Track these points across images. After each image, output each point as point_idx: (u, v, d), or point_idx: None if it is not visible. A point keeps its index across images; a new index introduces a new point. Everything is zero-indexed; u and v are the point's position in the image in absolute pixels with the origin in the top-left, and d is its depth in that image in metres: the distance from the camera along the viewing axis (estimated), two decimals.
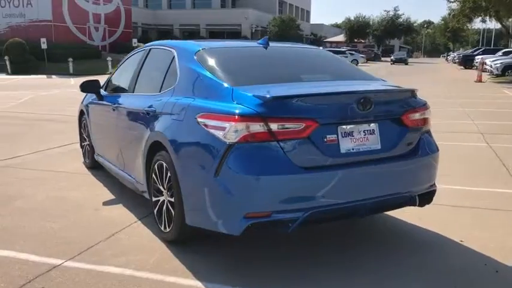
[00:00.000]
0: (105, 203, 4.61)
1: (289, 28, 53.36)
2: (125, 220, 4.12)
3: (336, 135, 3.04)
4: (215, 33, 53.53)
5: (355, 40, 70.50)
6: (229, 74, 3.37)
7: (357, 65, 45.43)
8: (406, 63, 50.56)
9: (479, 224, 4.11)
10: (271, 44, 4.07)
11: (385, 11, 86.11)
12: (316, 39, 72.87)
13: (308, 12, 78.54)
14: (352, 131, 3.11)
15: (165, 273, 3.12)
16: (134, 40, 34.77)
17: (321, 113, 3.00)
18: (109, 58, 32.36)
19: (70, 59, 31.08)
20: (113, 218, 4.17)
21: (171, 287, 2.96)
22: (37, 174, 5.69)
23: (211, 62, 3.54)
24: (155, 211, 3.70)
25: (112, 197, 4.83)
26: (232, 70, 3.47)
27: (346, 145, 3.07)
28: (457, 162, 6.25)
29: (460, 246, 3.62)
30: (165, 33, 53.30)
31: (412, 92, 3.48)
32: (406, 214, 4.11)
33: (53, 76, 28.88)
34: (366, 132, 3.17)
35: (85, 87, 5.16)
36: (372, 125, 3.19)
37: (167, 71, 3.86)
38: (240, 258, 3.40)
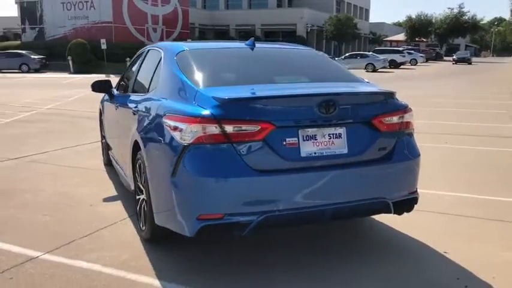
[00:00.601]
0: (105, 200, 4.76)
1: (346, 27, 52.47)
2: (116, 217, 4.24)
3: (296, 139, 2.97)
4: (270, 33, 53.70)
5: (417, 39, 68.13)
6: (200, 76, 3.39)
7: (415, 64, 44.12)
8: (470, 63, 48.18)
9: (471, 234, 3.88)
10: (258, 45, 4.05)
11: (448, 8, 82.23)
12: (375, 38, 71.18)
13: (367, 11, 76.87)
14: (315, 135, 3.02)
15: (129, 271, 3.18)
16: (189, 40, 35.51)
17: (279, 115, 2.94)
18: None
19: (127, 59, 32.38)
20: (105, 214, 4.30)
21: (129, 284, 3.02)
22: (55, 170, 5.97)
23: (188, 63, 3.57)
24: (137, 209, 3.79)
25: (115, 193, 4.99)
26: (205, 71, 3.49)
27: (307, 149, 2.99)
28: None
29: (442, 258, 3.43)
30: (222, 33, 54.15)
31: (388, 95, 3.33)
32: (398, 221, 3.94)
33: (111, 75, 30.13)
34: (332, 136, 3.07)
35: (95, 87, 5.35)
36: (339, 128, 3.09)
37: (154, 72, 3.93)
38: (208, 261, 3.40)
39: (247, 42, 4.06)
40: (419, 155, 3.42)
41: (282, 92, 3.14)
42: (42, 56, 34.10)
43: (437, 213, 4.35)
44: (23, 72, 32.62)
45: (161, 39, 42.64)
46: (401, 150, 3.30)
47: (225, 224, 2.87)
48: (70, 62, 32.60)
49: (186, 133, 2.87)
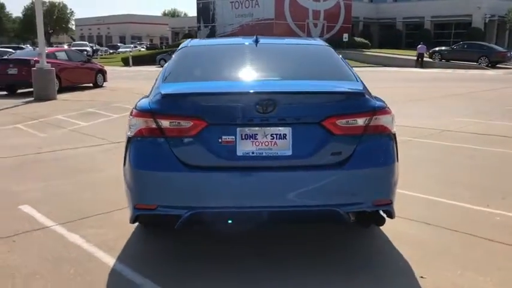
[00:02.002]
0: None
1: None
2: None
3: (233, 137, 2.91)
4: (441, 26, 49.78)
5: None
6: (173, 71, 3.50)
7: None
8: None
9: (457, 255, 3.34)
10: (264, 41, 4.01)
11: None
12: None
13: None
14: (256, 134, 2.92)
15: (102, 249, 3.50)
16: (345, 35, 35.18)
17: (214, 112, 2.92)
18: None
19: None
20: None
21: (89, 259, 3.34)
22: None
23: (178, 59, 3.71)
24: None
25: None
26: (182, 67, 3.59)
27: (244, 148, 2.91)
28: None
29: (412, 284, 3.01)
30: (388, 27, 52.04)
31: (350, 95, 3.02)
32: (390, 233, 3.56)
33: None
34: (275, 136, 2.92)
35: None
36: (284, 129, 2.93)
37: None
38: (178, 253, 3.55)
39: (252, 39, 4.04)
40: (392, 162, 3.04)
41: (222, 89, 3.10)
42: None
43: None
44: None
45: (321, 35, 42.98)
46: (365, 156, 2.97)
47: (158, 215, 2.98)
48: None
49: (131, 125, 3.04)
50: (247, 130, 2.91)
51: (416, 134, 7.93)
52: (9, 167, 5.88)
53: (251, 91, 2.96)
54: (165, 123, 2.92)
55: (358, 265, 3.27)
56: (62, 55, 16.76)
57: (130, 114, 3.08)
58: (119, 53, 50.37)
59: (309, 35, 41.71)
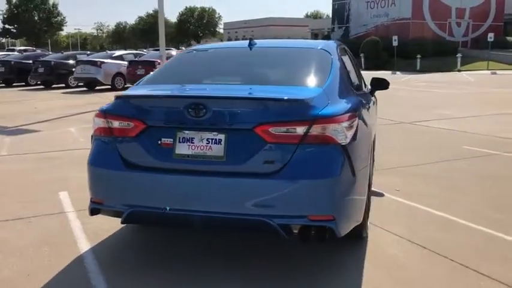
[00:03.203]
0: None
1: None
2: None
3: (172, 139, 2.96)
4: None
5: None
6: (154, 74, 3.69)
7: None
8: None
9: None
10: (259, 45, 3.98)
11: None
12: None
13: None
14: (193, 138, 2.94)
15: (89, 236, 3.82)
16: (490, 35, 31.86)
17: (153, 115, 3.02)
18: (459, 55, 31.09)
19: (418, 56, 31.67)
20: None
21: (71, 245, 3.67)
22: None
23: (168, 63, 3.89)
24: None
25: None
26: (162, 70, 3.75)
27: (181, 151, 2.95)
28: None
29: None
30: None
31: (287, 102, 2.85)
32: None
33: (397, 72, 30.20)
34: (210, 141, 2.91)
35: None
36: (219, 134, 2.90)
37: None
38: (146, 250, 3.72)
39: (248, 42, 4.02)
40: (334, 175, 2.82)
41: (161, 92, 3.15)
42: None
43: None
44: None
45: (465, 35, 39.62)
46: (300, 167, 2.80)
47: (105, 210, 3.18)
48: (362, 59, 34.16)
49: (93, 124, 3.28)
50: (185, 133, 2.95)
51: None
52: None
53: (184, 95, 2.99)
54: (115, 123, 3.10)
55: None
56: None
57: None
58: None
59: (451, 35, 38.77)
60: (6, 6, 59.03)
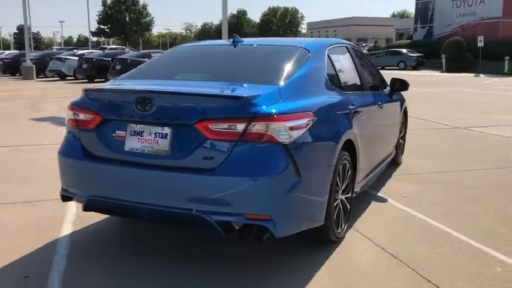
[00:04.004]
0: None
1: None
2: None
3: (124, 132, 3.07)
4: None
5: None
6: (135, 70, 3.84)
7: None
8: None
9: None
10: (245, 42, 4.03)
11: None
12: None
13: None
14: (143, 131, 3.02)
15: (75, 223, 4.05)
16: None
17: (108, 108, 3.14)
18: None
19: (506, 58, 29.46)
20: None
21: (58, 229, 3.91)
22: None
23: (152, 59, 4.03)
24: None
25: None
26: (144, 66, 3.89)
27: (131, 144, 3.04)
28: None
29: None
30: None
31: (229, 99, 2.84)
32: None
33: (481, 75, 28.39)
34: (157, 135, 2.98)
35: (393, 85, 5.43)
36: (166, 128, 2.95)
37: None
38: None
39: (234, 40, 4.04)
40: (272, 174, 2.77)
41: (115, 87, 3.26)
42: (419, 54, 35.30)
43: None
44: (399, 69, 34.83)
45: None
46: (238, 164, 2.78)
47: (70, 197, 3.35)
48: (443, 60, 32.47)
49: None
50: (135, 127, 3.05)
51: None
52: None
53: (132, 89, 3.08)
54: (80, 115, 3.28)
55: None
56: None
57: None
58: None
59: None
60: (102, 7, 63.64)
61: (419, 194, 4.93)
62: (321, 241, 3.51)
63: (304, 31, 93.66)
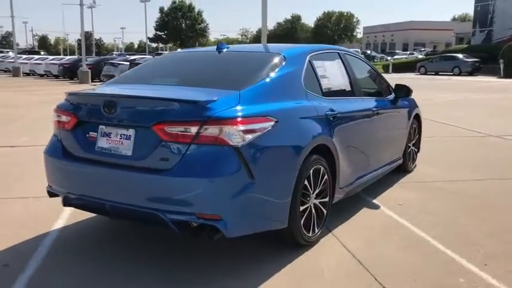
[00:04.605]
0: None
1: None
2: None
3: (96, 133, 3.28)
4: None
5: None
6: (121, 75, 4.05)
7: None
8: None
9: None
10: (230, 49, 4.19)
11: None
12: None
13: None
14: (111, 133, 3.21)
15: (68, 219, 4.32)
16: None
17: (83, 110, 3.37)
18: None
19: None
20: None
21: (51, 224, 4.20)
22: None
23: (141, 65, 4.25)
24: None
25: None
26: (129, 72, 4.09)
27: (101, 144, 3.24)
28: None
29: None
30: None
31: (184, 103, 2.98)
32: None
33: None
34: (123, 136, 3.16)
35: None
36: (130, 130, 3.14)
37: None
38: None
39: (219, 45, 4.17)
40: (223, 175, 2.90)
41: (90, 91, 3.47)
42: (475, 59, 33.86)
43: None
44: (454, 75, 33.58)
45: None
46: (190, 165, 2.91)
47: (53, 193, 3.59)
48: (501, 66, 31.01)
49: None
50: (105, 128, 3.25)
51: None
52: None
53: (99, 93, 3.30)
54: (62, 117, 3.52)
55: None
56: None
57: None
58: (394, 60, 50.33)
59: None
60: (159, 14, 66.00)
61: (416, 203, 4.83)
62: (290, 244, 3.56)
63: (359, 36, 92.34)
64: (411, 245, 3.74)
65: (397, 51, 67.06)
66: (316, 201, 3.71)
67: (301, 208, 3.49)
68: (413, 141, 6.14)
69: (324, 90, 4.00)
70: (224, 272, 3.26)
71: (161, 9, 65.79)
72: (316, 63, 4.07)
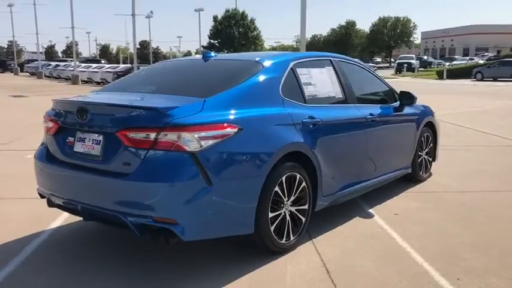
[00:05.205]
0: None
1: None
2: None
3: (73, 138, 3.47)
4: None
5: None
6: (114, 81, 4.26)
7: None
8: None
9: None
10: (216, 57, 4.31)
11: None
12: None
13: None
14: (85, 138, 3.38)
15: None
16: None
17: (63, 117, 3.56)
18: None
19: None
20: None
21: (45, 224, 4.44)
22: None
23: (134, 73, 4.43)
24: None
25: None
26: (122, 79, 4.31)
27: (77, 149, 3.42)
28: None
29: None
30: None
31: (144, 110, 3.11)
32: None
33: None
34: (94, 141, 3.32)
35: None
36: (100, 135, 3.29)
37: None
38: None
39: (206, 54, 4.27)
40: (177, 181, 2.99)
41: (67, 98, 3.66)
42: None
43: None
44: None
45: None
46: (148, 170, 3.02)
47: (40, 194, 3.82)
48: None
49: None
50: (81, 134, 3.43)
51: None
52: None
53: (73, 101, 3.48)
54: (48, 123, 3.74)
55: None
56: None
57: None
58: (450, 66, 48.52)
59: None
60: (213, 23, 67.39)
61: (413, 213, 4.69)
62: (261, 249, 3.57)
63: (417, 41, 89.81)
64: (389, 256, 3.64)
65: (456, 56, 64.55)
66: (293, 209, 3.70)
67: (272, 214, 3.49)
68: (427, 150, 5.95)
69: (307, 98, 4.00)
70: (186, 273, 3.33)
71: (215, 18, 67.14)
72: (301, 71, 4.07)
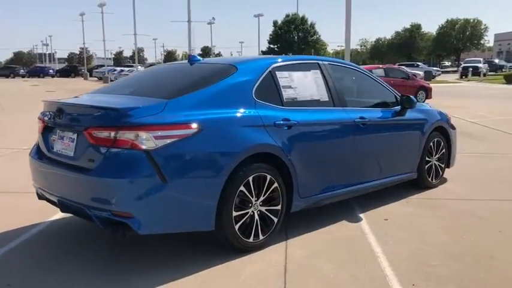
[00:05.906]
0: None
1: None
2: None
3: (56, 136, 3.76)
4: None
5: None
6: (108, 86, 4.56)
7: None
8: None
9: None
10: (202, 61, 4.46)
11: None
12: None
13: None
14: (64, 136, 3.66)
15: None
16: None
17: (48, 116, 3.86)
18: None
19: None
20: None
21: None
22: None
23: (128, 76, 4.70)
24: None
25: None
26: (114, 82, 4.53)
27: (57, 146, 3.71)
28: None
29: None
30: None
31: (105, 110, 3.34)
32: None
33: None
34: (70, 139, 3.58)
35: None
36: (73, 134, 3.55)
37: None
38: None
39: (192, 58, 4.44)
40: (130, 177, 3.18)
41: (53, 99, 3.93)
42: None
43: None
44: None
45: None
46: (107, 166, 3.23)
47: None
48: None
49: None
50: (61, 132, 3.71)
51: None
52: None
53: (53, 101, 3.76)
54: (40, 123, 4.07)
55: None
56: (378, 72, 17.96)
57: None
58: None
59: None
60: (273, 28, 67.76)
61: (404, 219, 4.58)
62: (226, 247, 3.67)
63: (489, 44, 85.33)
64: (355, 259, 3.61)
65: None
66: (263, 208, 3.77)
67: (237, 213, 3.58)
68: (438, 156, 5.76)
69: (285, 101, 4.05)
70: (140, 268, 3.48)
71: (275, 23, 67.44)
72: (281, 74, 4.13)
